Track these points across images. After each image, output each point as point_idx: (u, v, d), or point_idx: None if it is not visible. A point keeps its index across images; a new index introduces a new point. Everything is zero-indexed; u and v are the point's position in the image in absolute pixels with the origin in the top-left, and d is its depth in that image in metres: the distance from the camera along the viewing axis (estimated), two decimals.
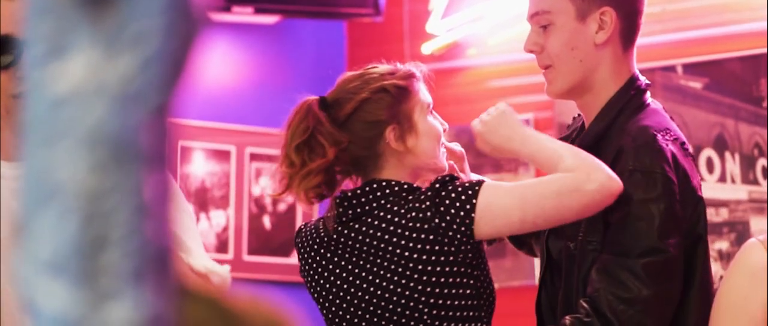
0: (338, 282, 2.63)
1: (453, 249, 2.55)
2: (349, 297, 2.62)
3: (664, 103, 4.72)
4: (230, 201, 5.20)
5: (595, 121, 2.75)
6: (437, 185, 2.57)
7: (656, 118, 2.73)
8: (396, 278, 2.57)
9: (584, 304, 2.59)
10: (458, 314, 2.58)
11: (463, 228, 2.54)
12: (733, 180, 4.73)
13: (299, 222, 5.18)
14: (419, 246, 2.55)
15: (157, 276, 0.90)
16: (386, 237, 2.57)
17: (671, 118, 2.82)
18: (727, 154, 4.74)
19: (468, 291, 2.58)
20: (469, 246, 2.56)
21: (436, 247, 2.55)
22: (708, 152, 4.75)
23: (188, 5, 0.91)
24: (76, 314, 0.88)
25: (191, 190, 5.07)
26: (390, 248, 2.57)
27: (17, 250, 0.90)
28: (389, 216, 2.58)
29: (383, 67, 2.71)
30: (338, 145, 2.60)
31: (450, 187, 2.56)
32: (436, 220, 2.54)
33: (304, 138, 2.60)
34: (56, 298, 0.89)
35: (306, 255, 2.69)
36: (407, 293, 2.57)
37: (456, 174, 2.66)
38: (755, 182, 4.70)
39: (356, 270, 2.61)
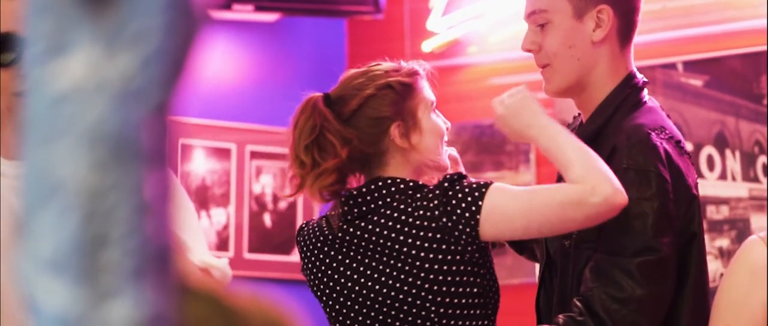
0: (343, 280, 2.63)
1: (460, 248, 2.55)
2: (353, 295, 2.62)
3: (664, 100, 4.72)
4: (231, 199, 5.20)
5: (591, 119, 2.75)
6: (446, 184, 2.57)
7: (652, 116, 2.73)
8: (403, 276, 2.56)
9: (578, 303, 2.59)
10: (464, 312, 2.58)
11: (468, 229, 2.54)
12: (733, 178, 4.73)
13: (300, 220, 5.18)
14: (427, 244, 2.55)
15: (157, 275, 0.90)
16: (393, 235, 2.57)
17: (668, 115, 2.81)
18: (728, 152, 4.74)
19: (475, 290, 2.58)
20: (475, 246, 2.56)
21: (444, 246, 2.55)
22: (708, 149, 4.75)
23: (189, 3, 0.91)
24: (77, 312, 0.88)
25: (192, 188, 5.07)
26: (397, 246, 2.56)
27: (18, 248, 0.90)
28: (396, 214, 2.57)
29: (387, 65, 2.70)
30: (348, 143, 2.59)
31: (458, 187, 2.56)
32: (444, 219, 2.54)
33: (313, 137, 2.60)
34: (57, 296, 0.89)
35: (309, 253, 2.69)
36: (414, 291, 2.56)
37: (464, 173, 2.65)
38: (756, 179, 4.70)
39: (362, 268, 2.61)
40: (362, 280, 2.60)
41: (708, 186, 4.70)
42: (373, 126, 2.63)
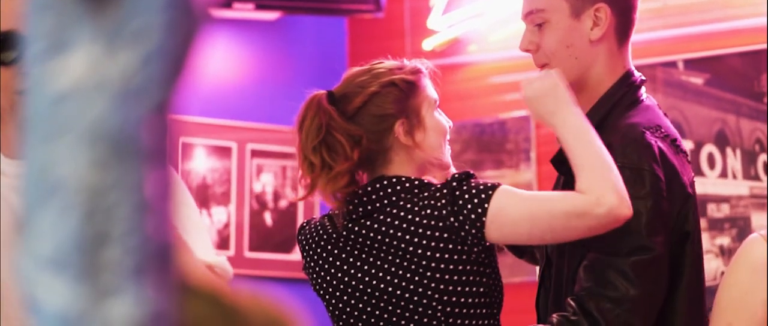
0: (347, 279, 2.63)
1: (466, 248, 2.55)
2: (358, 294, 2.61)
3: (665, 98, 4.71)
4: (231, 198, 5.20)
5: (587, 117, 2.75)
6: (454, 183, 2.57)
7: (648, 114, 2.72)
8: (409, 274, 2.56)
9: (572, 303, 2.59)
10: (470, 311, 2.57)
11: (473, 231, 2.53)
12: (734, 176, 4.73)
13: (301, 219, 5.18)
14: (433, 243, 2.54)
15: (158, 273, 0.90)
16: (399, 233, 2.56)
17: (665, 113, 2.81)
18: (729, 150, 4.74)
19: (481, 290, 2.58)
20: (480, 247, 2.56)
21: (450, 245, 2.54)
22: (709, 148, 4.75)
23: (189, 2, 0.91)
24: (77, 310, 0.88)
25: (192, 187, 5.07)
26: (403, 245, 2.56)
27: (18, 247, 0.90)
28: (402, 213, 2.57)
29: (390, 63, 2.70)
30: (357, 142, 2.59)
31: (465, 187, 2.55)
32: (451, 219, 2.54)
33: (320, 137, 2.59)
34: (57, 295, 0.89)
35: (311, 252, 2.69)
36: (420, 290, 2.56)
37: (473, 172, 2.64)
38: (756, 178, 4.70)
39: (367, 267, 2.60)
40: (367, 279, 2.60)
41: (709, 184, 4.70)
42: (378, 123, 2.63)
